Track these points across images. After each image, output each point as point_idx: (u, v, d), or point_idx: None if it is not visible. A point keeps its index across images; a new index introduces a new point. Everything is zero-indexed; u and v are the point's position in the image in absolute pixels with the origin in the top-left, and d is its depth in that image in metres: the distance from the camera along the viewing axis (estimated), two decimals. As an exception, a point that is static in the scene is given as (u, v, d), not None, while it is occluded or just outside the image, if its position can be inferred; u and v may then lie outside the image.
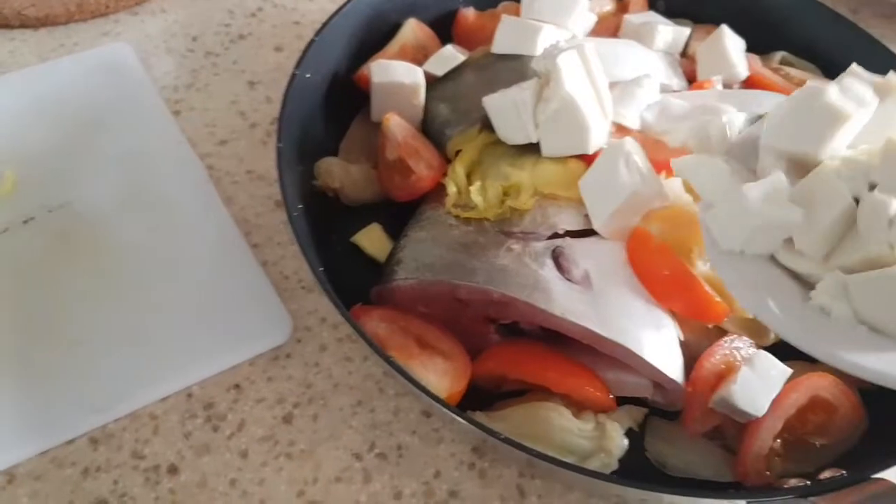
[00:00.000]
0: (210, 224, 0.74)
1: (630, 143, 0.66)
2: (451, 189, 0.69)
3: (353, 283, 0.66)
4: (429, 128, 0.77)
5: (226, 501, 0.61)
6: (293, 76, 0.71)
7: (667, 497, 0.64)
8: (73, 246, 0.72)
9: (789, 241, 0.56)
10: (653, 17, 0.88)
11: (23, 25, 0.89)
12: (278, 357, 0.68)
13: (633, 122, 0.72)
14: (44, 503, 0.60)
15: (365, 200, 0.75)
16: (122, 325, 0.67)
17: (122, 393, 0.64)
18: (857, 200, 0.54)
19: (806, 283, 0.56)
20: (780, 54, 0.87)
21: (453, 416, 0.56)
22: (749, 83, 0.82)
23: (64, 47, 0.88)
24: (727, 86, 0.81)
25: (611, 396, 0.64)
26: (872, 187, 0.53)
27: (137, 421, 0.64)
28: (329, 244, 0.71)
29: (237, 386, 0.66)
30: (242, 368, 0.67)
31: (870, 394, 0.66)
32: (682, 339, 0.65)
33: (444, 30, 0.86)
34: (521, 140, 0.70)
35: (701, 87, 0.80)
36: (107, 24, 0.91)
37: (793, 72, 0.84)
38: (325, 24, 0.76)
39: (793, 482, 0.59)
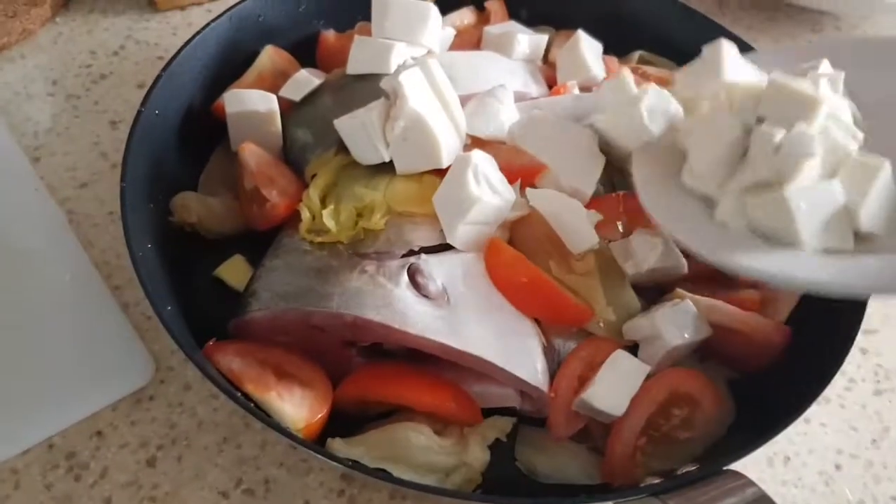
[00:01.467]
0: (68, 271, 0.73)
1: (478, 156, 0.66)
2: (305, 214, 0.69)
3: (219, 318, 0.66)
4: (289, 154, 0.77)
5: (88, 552, 0.60)
6: (138, 114, 0.71)
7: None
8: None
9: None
10: (513, 26, 0.89)
11: None
12: (141, 399, 0.67)
13: (489, 133, 0.73)
14: None
15: (228, 233, 0.75)
16: (-23, 381, 0.66)
17: (-24, 451, 0.62)
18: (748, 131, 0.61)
19: (710, 204, 0.62)
20: (637, 53, 0.89)
21: (306, 449, 0.56)
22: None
23: (-82, 101, 0.86)
24: (586, 89, 0.82)
25: (475, 409, 0.64)
26: (761, 120, 0.60)
27: (-5, 478, 0.62)
28: (190, 281, 0.71)
29: (99, 433, 0.65)
30: (104, 414, 0.66)
31: (738, 384, 0.67)
32: (545, 345, 0.66)
33: (305, 54, 0.86)
34: (374, 160, 0.70)
35: (558, 92, 0.81)
36: (-37, 74, 0.90)
37: (651, 70, 0.85)
38: (173, 58, 0.75)
39: (651, 479, 0.60)
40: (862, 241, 0.58)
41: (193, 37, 0.77)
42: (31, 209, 0.77)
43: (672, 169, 0.66)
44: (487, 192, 0.65)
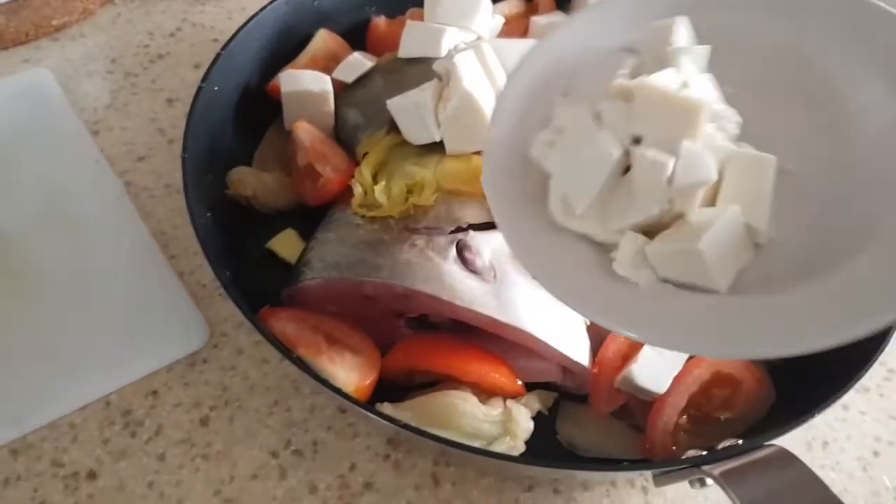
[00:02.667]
0: (126, 238, 0.75)
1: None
2: (357, 190, 0.71)
3: (271, 289, 0.68)
4: (341, 133, 0.79)
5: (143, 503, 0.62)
6: (199, 89, 0.73)
7: (578, 476, 0.66)
8: (-10, 267, 0.73)
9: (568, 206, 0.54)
10: (560, 17, 0.90)
11: (-55, 55, 0.91)
12: (195, 363, 0.69)
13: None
14: (-38, 515, 0.61)
15: (280, 208, 0.77)
16: (41, 340, 0.69)
17: (41, 404, 0.65)
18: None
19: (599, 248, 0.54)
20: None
21: (358, 408, 0.58)
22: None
23: (-15, 75, 0.90)
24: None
25: (519, 382, 0.66)
26: (637, 140, 0.52)
27: (56, 430, 0.65)
28: (244, 251, 0.73)
29: (154, 392, 0.67)
30: (160, 375, 0.68)
31: (779, 369, 0.68)
32: (587, 323, 0.67)
33: (357, 39, 0.88)
34: (424, 140, 0.72)
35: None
36: (28, 51, 0.93)
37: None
38: (232, 38, 0.78)
39: (691, 453, 0.61)
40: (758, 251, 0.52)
41: (252, 18, 0.80)
42: (92, 179, 0.80)
43: (539, 197, 0.56)
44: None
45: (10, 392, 0.66)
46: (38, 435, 0.65)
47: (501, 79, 0.71)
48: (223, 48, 0.77)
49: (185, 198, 0.66)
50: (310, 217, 0.74)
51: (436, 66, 0.72)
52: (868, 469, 0.68)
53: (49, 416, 0.65)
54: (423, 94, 0.70)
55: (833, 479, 0.67)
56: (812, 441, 0.69)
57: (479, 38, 0.82)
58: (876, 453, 0.69)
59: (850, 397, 0.71)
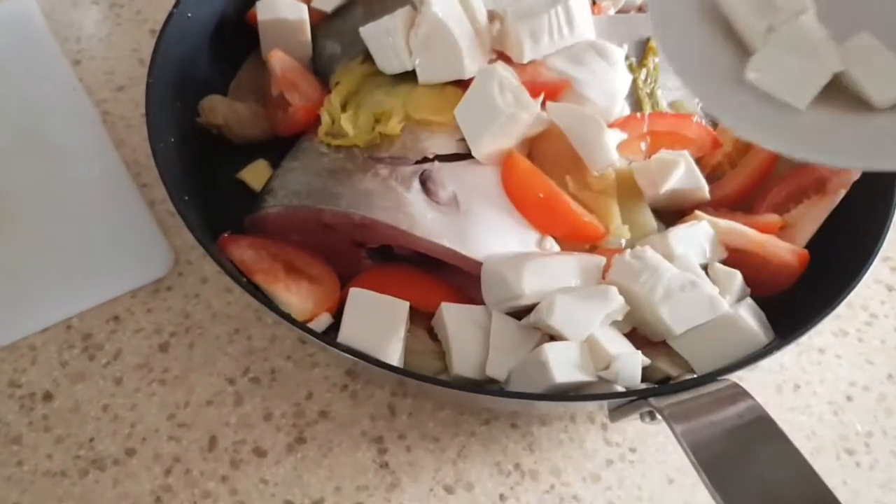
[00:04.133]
0: (98, 165, 0.75)
1: (502, 67, 0.66)
2: (325, 118, 0.69)
3: (239, 219, 0.67)
4: (317, 63, 0.78)
5: (97, 426, 0.62)
6: (170, 14, 0.72)
7: (536, 407, 0.64)
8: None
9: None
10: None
11: (-71, -18, 0.91)
12: (159, 290, 0.69)
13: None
14: (-81, 431, 0.62)
15: (254, 138, 0.76)
16: (7, 261, 0.69)
17: (2, 325, 0.66)
18: None
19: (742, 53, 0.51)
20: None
21: (301, 332, 0.58)
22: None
23: (-31, 2, 0.90)
24: (623, 11, 0.80)
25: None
26: None
27: (16, 352, 0.66)
28: (214, 181, 0.72)
29: (116, 317, 0.68)
30: (123, 300, 0.69)
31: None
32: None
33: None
34: (397, 69, 0.70)
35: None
36: (15, -20, 0.92)
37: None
38: (207, -39, 0.76)
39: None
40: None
41: (231, -56, 0.78)
42: (68, 107, 0.80)
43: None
44: (512, 104, 0.65)
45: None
46: (-4, 356, 0.65)
47: (479, 6, 0.69)
48: (196, -29, 0.75)
49: (147, 122, 0.65)
50: (283, 149, 0.73)
51: (409, -6, 0.70)
52: (839, 413, 0.66)
53: (10, 337, 0.66)
54: (393, 21, 0.68)
55: (801, 422, 0.65)
56: (783, 384, 0.67)
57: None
58: (849, 398, 0.67)
59: (828, 340, 0.69)
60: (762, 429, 0.51)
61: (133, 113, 0.81)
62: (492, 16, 0.72)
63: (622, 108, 0.70)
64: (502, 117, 0.64)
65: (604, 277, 0.62)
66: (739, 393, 0.54)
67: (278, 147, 0.74)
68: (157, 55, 0.70)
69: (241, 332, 0.67)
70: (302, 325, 0.59)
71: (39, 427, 0.62)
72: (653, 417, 0.54)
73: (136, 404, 0.63)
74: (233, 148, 0.75)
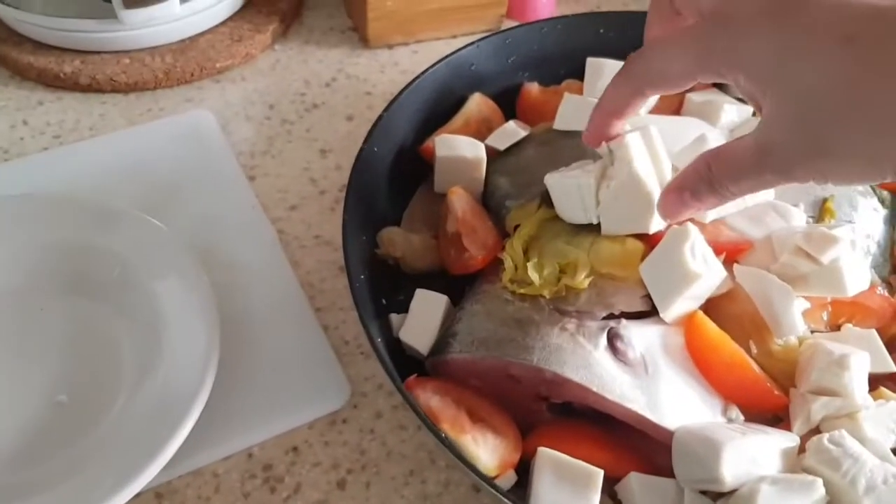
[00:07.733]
0: (277, 286, 0.77)
1: (694, 230, 0.66)
2: (508, 264, 0.70)
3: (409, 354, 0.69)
4: (489, 200, 0.80)
5: (279, 563, 0.63)
6: (361, 150, 0.75)
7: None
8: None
9: None
10: (716, 95, 0.89)
11: (114, 90, 0.95)
12: (335, 422, 0.70)
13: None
14: (107, 554, 0.62)
15: (424, 269, 0.78)
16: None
17: (187, 451, 0.67)
18: None
19: None
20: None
21: (497, 493, 0.58)
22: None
23: (151, 112, 0.94)
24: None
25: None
26: None
27: (200, 478, 0.66)
28: (388, 311, 0.74)
29: (295, 448, 0.69)
30: (301, 431, 0.69)
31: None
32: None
33: (507, 103, 0.89)
34: (580, 220, 0.71)
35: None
36: (191, 90, 0.96)
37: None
38: (393, 100, 0.79)
39: None
40: None
41: (414, 80, 0.81)
42: (249, 225, 0.82)
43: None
44: (703, 267, 0.65)
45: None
46: (182, 481, 0.66)
47: (666, 164, 0.70)
48: (385, 110, 0.78)
49: (345, 260, 0.67)
50: (453, 279, 0.75)
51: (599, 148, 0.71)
52: None
53: (196, 463, 0.67)
54: (587, 177, 0.69)
55: None
56: None
57: (636, 114, 0.81)
58: None
59: None
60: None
61: (306, 234, 0.83)
62: (674, 171, 0.73)
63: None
64: (698, 281, 0.64)
65: (797, 459, 0.61)
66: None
67: (447, 278, 0.75)
68: (350, 191, 0.72)
69: (415, 475, 0.68)
70: (495, 485, 0.59)
71: (223, 559, 0.63)
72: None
73: (318, 543, 0.64)
74: (404, 278, 0.77)
